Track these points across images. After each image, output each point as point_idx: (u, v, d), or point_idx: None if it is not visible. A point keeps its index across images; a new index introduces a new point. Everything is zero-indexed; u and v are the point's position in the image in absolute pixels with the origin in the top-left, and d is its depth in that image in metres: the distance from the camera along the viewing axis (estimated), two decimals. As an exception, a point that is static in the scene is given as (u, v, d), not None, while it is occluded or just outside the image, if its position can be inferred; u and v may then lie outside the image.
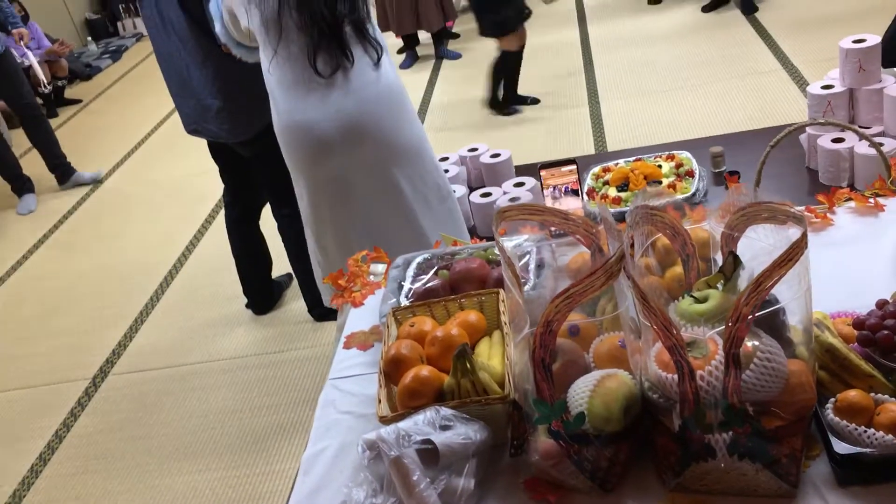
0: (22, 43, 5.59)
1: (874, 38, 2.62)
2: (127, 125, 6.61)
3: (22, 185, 5.50)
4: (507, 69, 4.95)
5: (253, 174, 3.28)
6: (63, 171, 5.62)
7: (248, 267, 3.60)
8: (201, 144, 3.30)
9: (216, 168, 3.39)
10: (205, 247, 4.45)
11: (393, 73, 2.43)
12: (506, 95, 5.10)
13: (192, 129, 3.14)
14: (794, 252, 1.03)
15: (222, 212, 3.54)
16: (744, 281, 1.17)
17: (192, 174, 5.30)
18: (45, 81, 6.13)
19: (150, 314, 3.94)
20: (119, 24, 9.41)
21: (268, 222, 3.44)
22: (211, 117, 3.02)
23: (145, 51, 8.29)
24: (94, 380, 3.55)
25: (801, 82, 4.60)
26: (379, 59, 2.36)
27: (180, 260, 4.36)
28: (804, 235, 1.04)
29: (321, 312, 3.50)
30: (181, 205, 5.00)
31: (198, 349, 3.58)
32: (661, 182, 2.71)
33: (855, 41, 2.63)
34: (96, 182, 5.66)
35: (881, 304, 1.23)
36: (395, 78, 2.43)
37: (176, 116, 3.22)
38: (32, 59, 5.88)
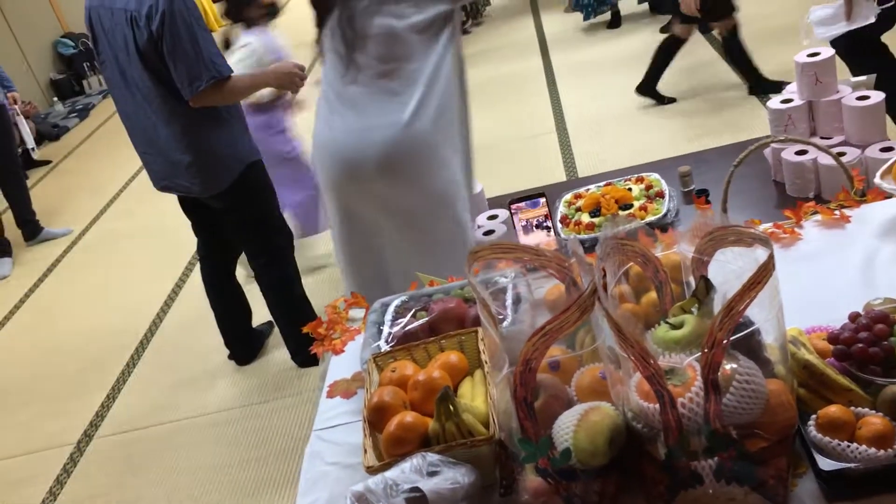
0: (17, 106, 5.69)
1: (828, 51, 2.67)
2: (98, 183, 6.59)
3: (2, 250, 5.50)
4: (667, 55, 4.84)
5: (226, 227, 3.28)
6: (32, 228, 5.66)
7: (227, 319, 3.58)
8: (173, 198, 3.30)
9: (189, 221, 3.39)
10: (183, 300, 4.42)
11: (428, 121, 2.36)
12: (644, 84, 4.96)
13: (163, 185, 3.14)
14: (763, 274, 1.04)
15: (198, 264, 3.52)
16: (717, 304, 1.18)
17: (165, 229, 5.27)
18: (34, 147, 6.35)
19: (132, 373, 3.90)
20: (84, 82, 9.41)
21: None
22: (181, 172, 3.02)
23: (112, 107, 8.26)
24: (79, 444, 3.49)
25: (763, 96, 4.67)
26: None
27: (159, 315, 4.33)
28: (771, 257, 1.05)
29: (304, 359, 3.48)
30: (156, 260, 4.97)
31: (182, 405, 3.55)
32: (632, 205, 2.73)
33: (809, 55, 2.68)
34: (68, 238, 5.65)
35: (854, 317, 1.25)
36: (428, 124, 2.36)
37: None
38: (23, 122, 6.01)
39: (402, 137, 2.31)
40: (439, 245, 2.44)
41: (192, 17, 2.75)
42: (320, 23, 2.38)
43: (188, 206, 3.30)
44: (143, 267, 4.97)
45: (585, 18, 6.72)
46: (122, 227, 5.69)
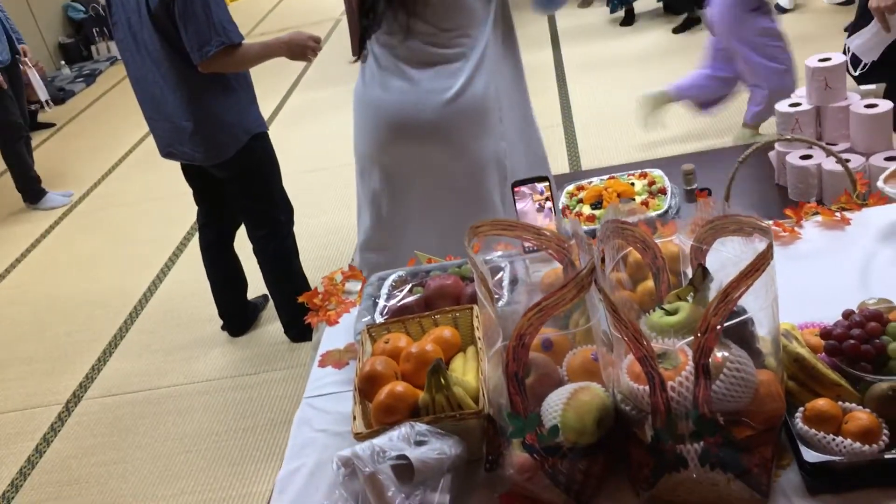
0: (27, 59, 5.65)
1: (839, 57, 2.67)
2: (101, 148, 6.58)
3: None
4: None
5: (227, 197, 3.28)
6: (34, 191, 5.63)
7: (223, 290, 3.58)
8: (175, 167, 3.30)
9: (190, 191, 3.38)
10: (179, 269, 4.42)
11: (480, 88, 2.39)
12: None
13: (167, 151, 3.14)
14: (761, 263, 1.04)
15: (197, 234, 3.52)
16: (713, 293, 1.18)
17: (166, 197, 5.28)
18: (48, 100, 6.27)
19: (125, 337, 3.91)
20: (93, 47, 9.38)
21: (242, 242, 3.43)
22: (186, 140, 3.02)
23: (119, 74, 8.27)
24: (68, 404, 3.50)
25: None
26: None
27: (154, 283, 4.33)
28: (770, 246, 1.06)
29: (297, 333, 3.49)
30: (156, 227, 4.97)
31: (173, 372, 3.55)
32: (633, 200, 2.73)
33: (820, 60, 2.68)
34: (68, 204, 5.64)
35: (847, 315, 1.25)
36: (480, 91, 2.40)
37: (150, 139, 3.22)
38: (35, 75, 5.92)
39: (458, 103, 2.33)
40: (473, 213, 2.44)
41: (205, -18, 2.74)
42: None
43: (191, 173, 3.30)
44: (141, 233, 4.98)
45: (612, 11, 6.71)
46: (123, 193, 5.68)
